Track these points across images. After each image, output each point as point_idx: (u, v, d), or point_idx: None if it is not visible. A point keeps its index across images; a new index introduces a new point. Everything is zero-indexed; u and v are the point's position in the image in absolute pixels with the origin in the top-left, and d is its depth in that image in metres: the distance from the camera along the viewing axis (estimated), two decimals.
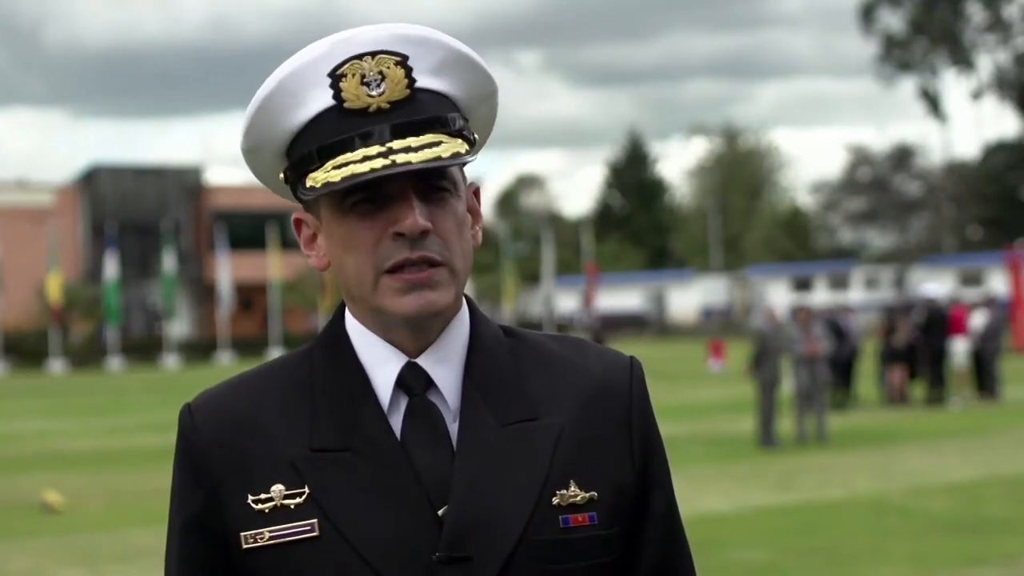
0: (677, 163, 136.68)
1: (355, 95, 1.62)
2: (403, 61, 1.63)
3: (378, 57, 1.62)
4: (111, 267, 47.13)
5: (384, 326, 1.66)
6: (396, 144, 1.60)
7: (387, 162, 1.58)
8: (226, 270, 51.25)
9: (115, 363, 47.76)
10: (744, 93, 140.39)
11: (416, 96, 1.63)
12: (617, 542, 1.67)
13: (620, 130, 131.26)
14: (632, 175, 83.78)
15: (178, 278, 51.16)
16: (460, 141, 1.64)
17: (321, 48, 1.64)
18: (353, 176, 1.58)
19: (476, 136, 1.70)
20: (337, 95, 1.62)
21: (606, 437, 1.69)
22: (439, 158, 1.59)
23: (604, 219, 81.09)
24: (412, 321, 1.64)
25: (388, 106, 1.62)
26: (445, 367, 1.67)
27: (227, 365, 46.93)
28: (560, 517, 1.63)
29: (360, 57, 1.62)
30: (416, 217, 1.60)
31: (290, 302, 54.13)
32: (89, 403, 29.98)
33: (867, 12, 72.41)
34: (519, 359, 1.71)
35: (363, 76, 1.62)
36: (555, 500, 1.63)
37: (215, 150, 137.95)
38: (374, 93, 1.62)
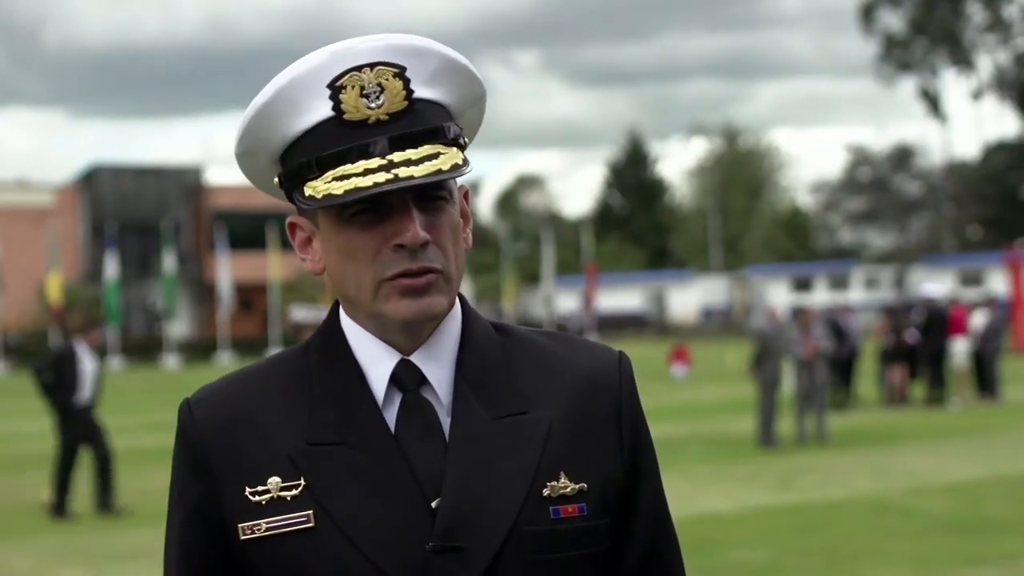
0: (677, 163, 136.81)
1: (355, 107, 1.65)
2: (401, 73, 1.66)
3: (377, 69, 1.65)
4: (111, 267, 47.10)
5: (380, 328, 1.70)
6: (396, 157, 1.63)
7: (389, 176, 1.61)
8: (226, 270, 51.26)
9: (115, 363, 47.77)
10: (743, 93, 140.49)
11: (413, 107, 1.66)
12: (606, 533, 1.71)
13: (619, 130, 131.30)
14: (632, 175, 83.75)
15: (178, 278, 51.17)
16: (456, 150, 1.68)
17: (320, 58, 1.66)
18: (357, 190, 1.61)
19: (466, 140, 1.74)
20: (337, 106, 1.65)
21: (596, 430, 1.73)
22: (440, 171, 1.63)
23: (604, 219, 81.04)
24: (410, 326, 1.68)
25: (387, 118, 1.65)
26: (438, 364, 1.71)
27: (227, 365, 46.92)
28: (550, 508, 1.67)
29: (359, 69, 1.65)
30: (417, 229, 1.64)
31: (290, 302, 54.11)
32: None
33: (867, 12, 72.40)
34: (510, 355, 1.75)
35: (363, 88, 1.65)
36: (545, 491, 1.67)
37: (214, 150, 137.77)
38: (373, 105, 1.65)
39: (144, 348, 51.45)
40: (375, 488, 1.65)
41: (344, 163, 1.64)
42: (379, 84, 1.65)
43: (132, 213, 58.60)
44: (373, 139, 1.64)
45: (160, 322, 53.82)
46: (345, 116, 1.65)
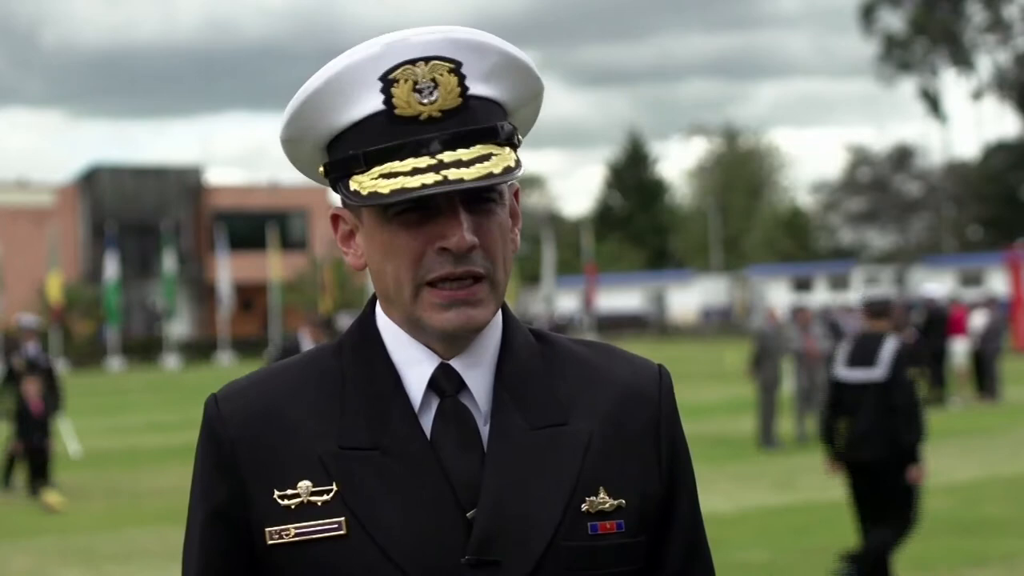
0: (677, 163, 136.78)
1: (406, 102, 1.58)
2: (457, 68, 1.60)
3: (432, 63, 1.59)
4: (111, 267, 47.07)
5: (419, 332, 1.65)
6: (447, 156, 1.56)
7: (439, 178, 1.54)
8: (226, 270, 51.23)
9: (115, 363, 47.76)
10: (742, 93, 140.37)
11: (468, 104, 1.60)
12: (642, 551, 1.67)
13: (618, 130, 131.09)
14: (632, 175, 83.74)
15: (178, 278, 51.13)
16: (509, 150, 1.62)
17: (374, 48, 1.60)
18: (404, 191, 1.55)
19: (520, 137, 1.68)
20: (388, 100, 1.59)
21: (635, 445, 1.69)
22: (491, 174, 1.56)
23: (604, 219, 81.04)
24: (451, 336, 1.63)
25: (440, 115, 1.58)
26: (477, 370, 1.65)
27: (227, 365, 46.93)
28: (588, 524, 1.62)
29: (413, 63, 1.59)
30: (464, 234, 1.57)
31: (290, 302, 54.12)
32: (89, 403, 29.97)
33: (867, 12, 72.43)
34: (550, 364, 1.70)
35: (416, 83, 1.58)
36: (584, 506, 1.62)
37: (213, 150, 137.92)
38: (426, 101, 1.58)
39: (144, 348, 51.43)
40: (409, 496, 1.59)
41: (392, 160, 1.57)
42: (433, 79, 1.58)
43: (132, 213, 58.55)
44: (423, 136, 1.57)
45: (160, 322, 53.81)
46: (396, 111, 1.58)
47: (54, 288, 46.04)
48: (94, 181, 59.41)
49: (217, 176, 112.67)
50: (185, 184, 61.00)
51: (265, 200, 58.47)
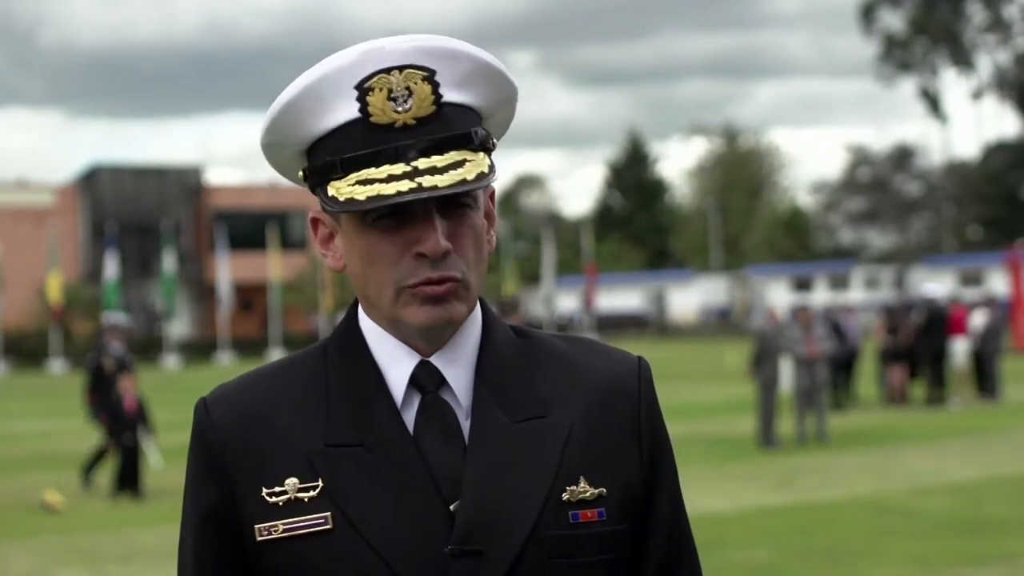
0: (677, 163, 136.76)
1: (382, 110, 1.63)
2: (430, 76, 1.64)
3: (406, 72, 1.63)
4: (111, 267, 47.03)
5: (399, 331, 1.70)
6: (421, 163, 1.61)
7: (413, 185, 1.59)
8: (226, 270, 51.25)
9: None
10: (741, 93, 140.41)
11: (442, 111, 1.64)
12: (625, 539, 1.70)
13: (616, 130, 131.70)
14: (632, 175, 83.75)
15: (178, 278, 51.12)
16: (483, 156, 1.66)
17: (350, 57, 1.64)
18: (379, 197, 1.60)
19: (494, 141, 1.72)
20: (364, 108, 1.64)
21: (615, 435, 1.72)
22: (464, 181, 1.61)
23: (604, 219, 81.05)
24: (428, 332, 1.68)
25: (414, 122, 1.63)
26: (457, 366, 1.70)
27: (227, 365, 46.93)
28: (570, 513, 1.66)
29: (388, 71, 1.63)
30: (439, 239, 1.62)
31: (290, 302, 54.14)
32: None
33: (867, 12, 72.45)
34: (529, 358, 1.74)
35: (391, 91, 1.63)
36: (565, 496, 1.66)
37: (212, 150, 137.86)
38: (400, 109, 1.63)
39: (144, 348, 51.39)
40: (393, 490, 1.64)
41: (369, 166, 1.62)
42: (407, 88, 1.63)
43: (132, 213, 58.55)
44: (399, 144, 1.62)
45: (160, 322, 53.79)
46: (372, 119, 1.63)
47: (54, 288, 46.05)
48: (94, 181, 59.41)
49: (217, 176, 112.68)
50: (185, 184, 61.00)
51: (265, 200, 58.46)
